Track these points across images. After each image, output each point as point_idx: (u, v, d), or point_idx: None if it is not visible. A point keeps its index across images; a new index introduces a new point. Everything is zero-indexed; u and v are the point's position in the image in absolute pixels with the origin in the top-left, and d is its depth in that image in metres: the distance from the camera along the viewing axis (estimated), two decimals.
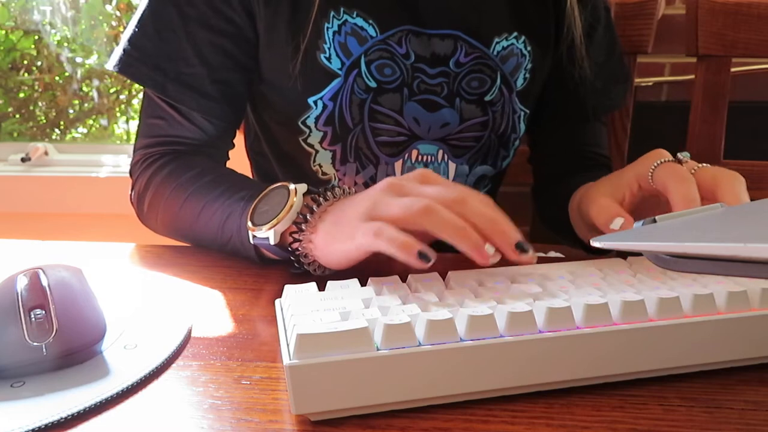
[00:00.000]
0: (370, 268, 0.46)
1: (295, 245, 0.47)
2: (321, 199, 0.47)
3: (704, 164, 0.47)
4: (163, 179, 0.60)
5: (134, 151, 0.65)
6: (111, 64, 0.61)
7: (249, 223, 0.49)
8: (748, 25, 0.81)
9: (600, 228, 0.48)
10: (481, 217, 0.40)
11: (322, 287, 0.40)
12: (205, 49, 0.60)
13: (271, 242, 0.47)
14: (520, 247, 0.39)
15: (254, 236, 0.48)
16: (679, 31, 0.91)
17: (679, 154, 0.47)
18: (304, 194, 0.49)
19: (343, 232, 0.43)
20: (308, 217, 0.46)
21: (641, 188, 0.49)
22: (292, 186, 0.48)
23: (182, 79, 0.60)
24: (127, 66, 0.60)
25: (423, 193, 0.42)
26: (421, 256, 0.38)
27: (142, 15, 0.60)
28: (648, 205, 0.50)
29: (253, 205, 0.50)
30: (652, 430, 0.31)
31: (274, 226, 0.47)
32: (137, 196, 0.64)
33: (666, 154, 0.48)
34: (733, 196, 0.42)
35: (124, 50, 0.60)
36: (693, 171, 0.46)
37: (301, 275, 0.50)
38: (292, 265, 0.49)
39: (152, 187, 0.61)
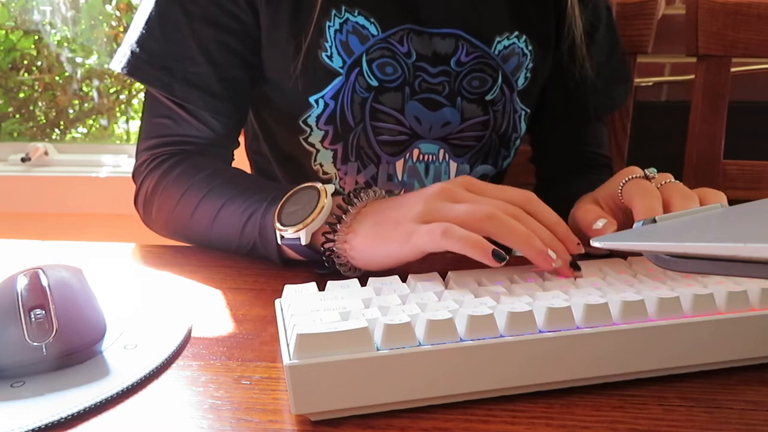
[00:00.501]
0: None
1: (328, 245, 0.46)
2: (355, 199, 0.47)
3: (671, 180, 0.48)
4: (173, 181, 0.59)
5: (138, 153, 0.64)
6: (118, 65, 0.60)
7: (277, 224, 0.48)
8: (748, 25, 0.81)
9: (584, 230, 0.48)
10: (539, 228, 0.41)
11: (322, 287, 0.40)
12: (210, 47, 0.60)
13: (303, 242, 0.47)
14: (574, 265, 0.41)
15: (282, 237, 0.48)
16: (679, 31, 0.91)
17: (646, 170, 0.49)
18: (332, 195, 0.48)
19: (393, 233, 0.43)
20: (343, 217, 0.46)
21: (616, 204, 0.50)
22: (320, 186, 0.48)
23: (189, 79, 0.60)
24: (135, 68, 0.60)
25: (483, 201, 0.42)
26: (495, 255, 0.39)
27: (148, 16, 0.60)
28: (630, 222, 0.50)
29: (279, 206, 0.49)
30: (652, 430, 0.31)
31: (307, 226, 0.46)
32: (144, 199, 0.62)
33: (636, 171, 0.49)
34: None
35: (132, 52, 0.60)
36: (659, 186, 0.47)
37: (302, 275, 0.50)
38: (320, 266, 0.48)
39: (162, 189, 0.60)
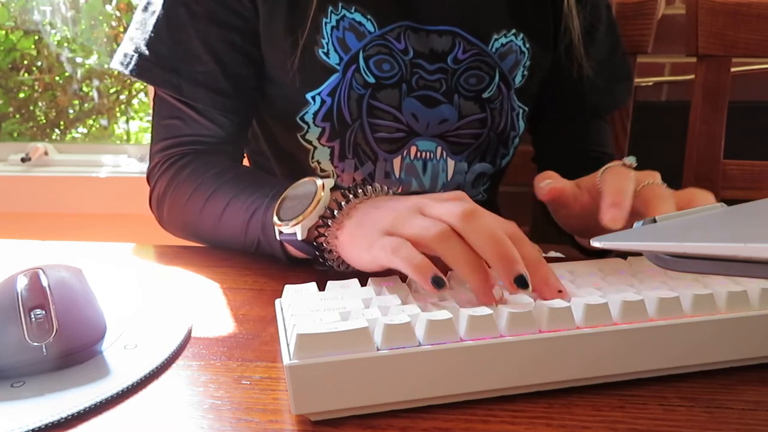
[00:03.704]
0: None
1: (320, 240, 0.46)
2: (351, 195, 0.46)
3: (654, 182, 0.47)
4: (184, 180, 0.60)
5: (151, 156, 0.65)
6: (124, 67, 0.60)
7: (275, 218, 0.47)
8: (748, 25, 0.81)
9: (535, 189, 0.50)
10: (484, 234, 0.37)
11: (322, 287, 0.40)
12: (216, 45, 0.61)
13: (298, 238, 0.46)
14: (518, 281, 0.35)
15: (280, 232, 0.47)
16: (679, 31, 0.91)
17: (625, 159, 0.50)
18: (332, 189, 0.47)
19: (363, 239, 0.42)
20: (335, 212, 0.45)
21: (596, 193, 0.48)
22: (319, 181, 0.47)
23: (196, 78, 0.60)
24: (144, 70, 0.60)
25: (437, 213, 0.39)
26: (435, 281, 0.36)
27: (156, 19, 0.60)
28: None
29: (279, 201, 0.49)
30: (652, 430, 0.31)
31: (301, 221, 0.45)
32: (157, 200, 0.63)
33: (617, 163, 0.50)
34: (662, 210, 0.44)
35: (139, 54, 0.60)
36: (642, 185, 0.47)
37: (301, 275, 0.50)
38: (317, 262, 0.47)
39: (173, 188, 0.61)
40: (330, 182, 0.48)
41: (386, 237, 0.40)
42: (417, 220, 0.40)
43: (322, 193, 0.46)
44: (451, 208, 0.39)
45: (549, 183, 0.49)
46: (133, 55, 0.60)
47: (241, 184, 0.56)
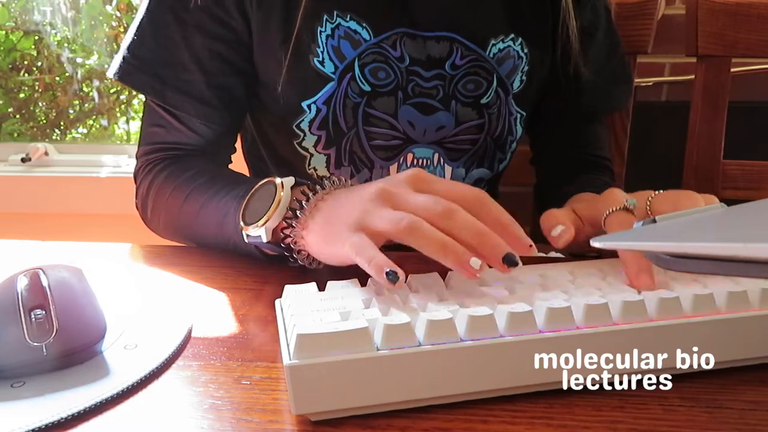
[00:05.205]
0: None
1: (288, 240, 0.46)
2: (310, 192, 0.46)
3: (653, 196, 0.46)
4: (162, 183, 0.61)
5: (137, 159, 0.66)
6: (111, 71, 0.61)
7: (241, 223, 0.48)
8: (748, 25, 0.81)
9: (545, 234, 0.48)
10: (467, 230, 0.38)
11: (322, 287, 0.40)
12: (202, 55, 0.61)
13: (264, 240, 0.47)
14: (508, 260, 0.37)
15: (247, 235, 0.48)
16: (679, 31, 0.91)
17: (626, 202, 0.46)
18: (293, 187, 0.48)
19: (333, 236, 0.42)
20: (298, 212, 0.45)
21: (599, 229, 0.48)
22: (278, 180, 0.47)
23: (180, 86, 0.61)
24: (127, 74, 0.60)
25: (411, 205, 0.40)
26: (388, 275, 0.36)
27: (140, 22, 0.60)
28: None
29: (243, 204, 0.49)
30: (652, 430, 0.31)
31: (265, 223, 0.46)
32: (141, 201, 0.65)
33: (618, 200, 0.47)
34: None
35: (123, 58, 0.60)
36: (648, 204, 0.46)
37: (302, 274, 0.50)
38: (288, 260, 0.48)
39: (153, 191, 0.62)
40: (290, 181, 0.48)
41: (354, 234, 0.40)
42: (385, 213, 0.40)
43: (282, 193, 0.46)
44: (427, 204, 0.40)
45: (562, 231, 0.46)
46: (119, 59, 0.61)
47: (214, 186, 0.56)
